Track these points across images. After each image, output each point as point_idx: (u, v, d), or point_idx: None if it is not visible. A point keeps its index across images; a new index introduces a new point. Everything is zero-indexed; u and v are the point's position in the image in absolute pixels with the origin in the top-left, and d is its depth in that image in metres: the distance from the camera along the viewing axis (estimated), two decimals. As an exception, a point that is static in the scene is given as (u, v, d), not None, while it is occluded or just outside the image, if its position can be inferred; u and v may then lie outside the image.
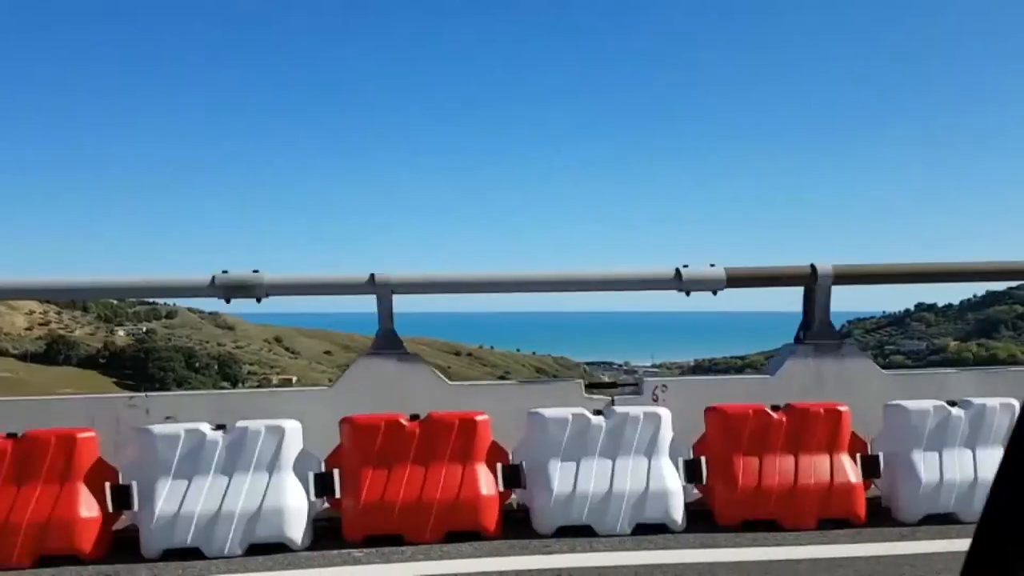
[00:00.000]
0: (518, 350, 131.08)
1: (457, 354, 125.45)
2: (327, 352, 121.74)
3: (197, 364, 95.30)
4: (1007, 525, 1.25)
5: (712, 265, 8.12)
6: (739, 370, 66.27)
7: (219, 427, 6.65)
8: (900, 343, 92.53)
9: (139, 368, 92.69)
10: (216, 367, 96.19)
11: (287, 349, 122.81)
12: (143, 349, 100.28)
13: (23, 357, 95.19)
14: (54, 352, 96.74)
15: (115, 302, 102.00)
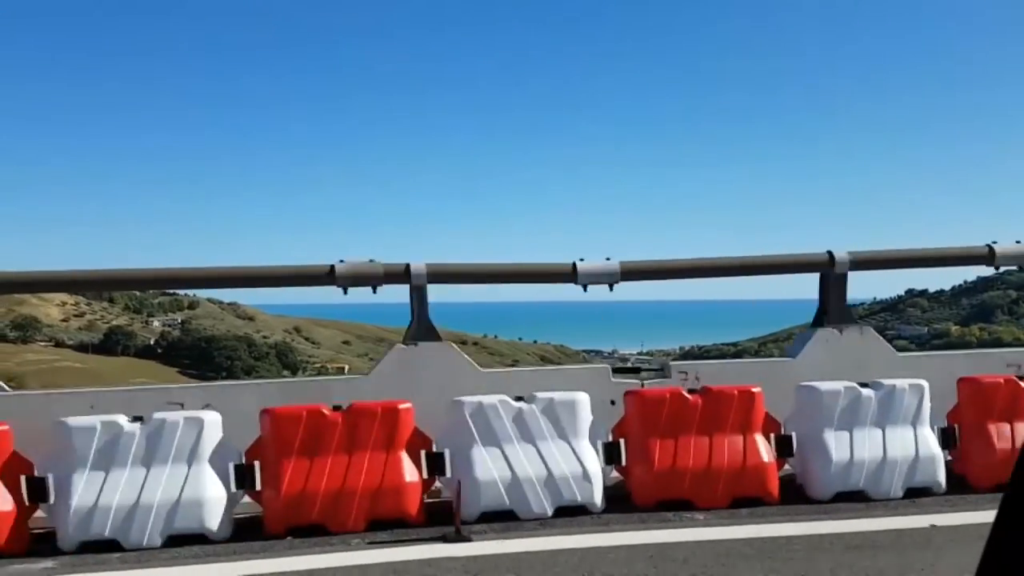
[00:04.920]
0: (520, 339, 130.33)
1: (463, 343, 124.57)
2: (345, 342, 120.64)
3: (256, 354, 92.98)
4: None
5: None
6: (736, 356, 65.56)
7: (519, 399, 6.56)
8: (899, 328, 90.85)
9: (200, 357, 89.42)
10: (275, 355, 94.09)
11: (307, 339, 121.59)
12: (203, 339, 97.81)
13: (83, 348, 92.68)
14: (111, 343, 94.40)
15: (137, 293, 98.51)
